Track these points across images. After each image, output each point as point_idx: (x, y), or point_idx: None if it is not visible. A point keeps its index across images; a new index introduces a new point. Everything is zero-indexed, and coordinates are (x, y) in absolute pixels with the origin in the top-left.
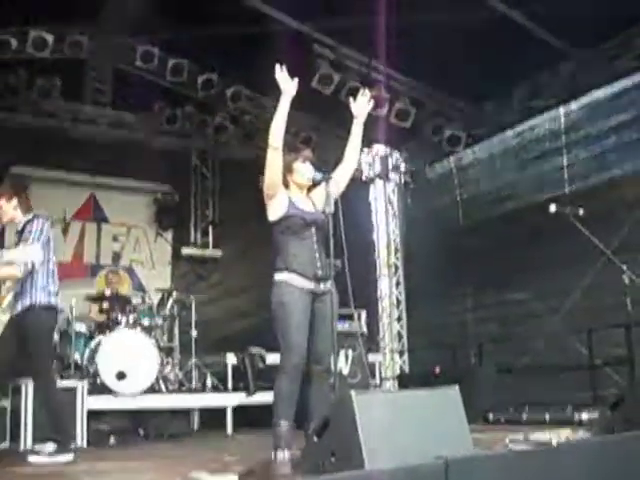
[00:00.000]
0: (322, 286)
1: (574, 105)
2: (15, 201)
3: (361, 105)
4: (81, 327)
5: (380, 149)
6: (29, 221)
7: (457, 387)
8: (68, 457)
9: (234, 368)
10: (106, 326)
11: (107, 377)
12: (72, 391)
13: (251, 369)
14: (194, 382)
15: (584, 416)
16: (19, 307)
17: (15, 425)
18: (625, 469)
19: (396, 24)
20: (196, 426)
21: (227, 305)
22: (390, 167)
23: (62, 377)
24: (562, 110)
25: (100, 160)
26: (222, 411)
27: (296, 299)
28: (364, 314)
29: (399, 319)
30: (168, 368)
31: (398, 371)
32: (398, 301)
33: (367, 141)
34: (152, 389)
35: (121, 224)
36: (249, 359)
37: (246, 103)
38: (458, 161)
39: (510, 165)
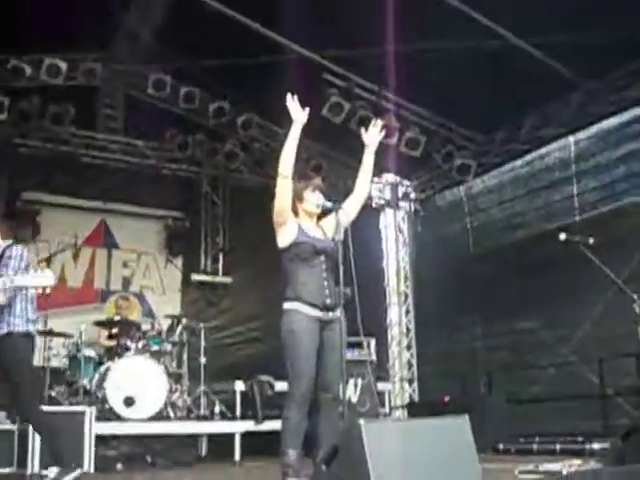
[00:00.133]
0: (331, 314)
1: (583, 134)
2: None
3: (373, 135)
4: (90, 352)
5: (390, 177)
6: (8, 246)
7: (467, 416)
8: (74, 476)
9: (242, 395)
10: (115, 352)
11: (115, 403)
12: (80, 416)
13: (259, 396)
14: (202, 409)
15: (595, 446)
16: None
17: (22, 449)
18: None
19: (406, 53)
20: (204, 453)
21: (236, 332)
22: (400, 195)
23: (70, 402)
24: (572, 139)
25: (111, 186)
26: (230, 438)
27: (305, 327)
28: (373, 342)
29: (409, 347)
30: (177, 394)
31: (407, 400)
32: (408, 329)
33: (377, 170)
34: (160, 415)
35: (131, 250)
36: (258, 386)
37: (257, 131)
38: (468, 190)
39: (520, 194)
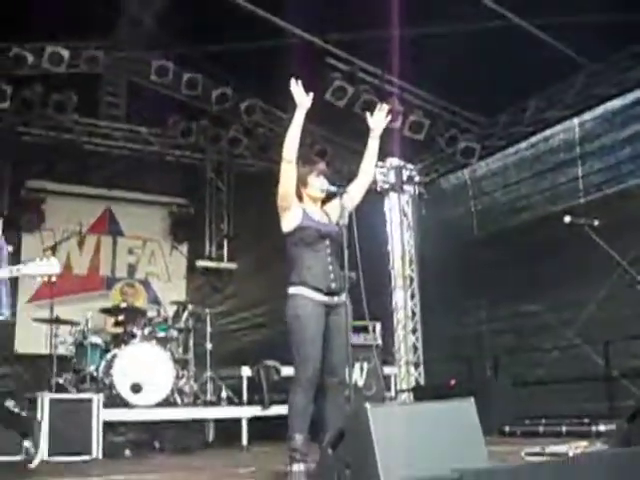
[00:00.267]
0: (336, 299)
1: (588, 116)
2: None
3: (378, 119)
4: (97, 340)
5: (394, 161)
6: None
7: (472, 399)
8: None
9: (249, 380)
10: (121, 339)
11: (122, 389)
12: (88, 403)
13: (266, 381)
14: (209, 394)
15: (601, 428)
16: None
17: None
18: None
19: (409, 36)
20: (211, 438)
21: (242, 318)
22: (404, 179)
23: (78, 389)
24: (576, 121)
25: (115, 174)
26: (237, 423)
27: (310, 312)
28: (379, 326)
29: (414, 331)
30: (183, 380)
31: (413, 383)
32: (413, 313)
33: (381, 154)
34: (167, 401)
35: (136, 237)
36: (264, 371)
37: (260, 116)
38: (472, 173)
39: (524, 176)
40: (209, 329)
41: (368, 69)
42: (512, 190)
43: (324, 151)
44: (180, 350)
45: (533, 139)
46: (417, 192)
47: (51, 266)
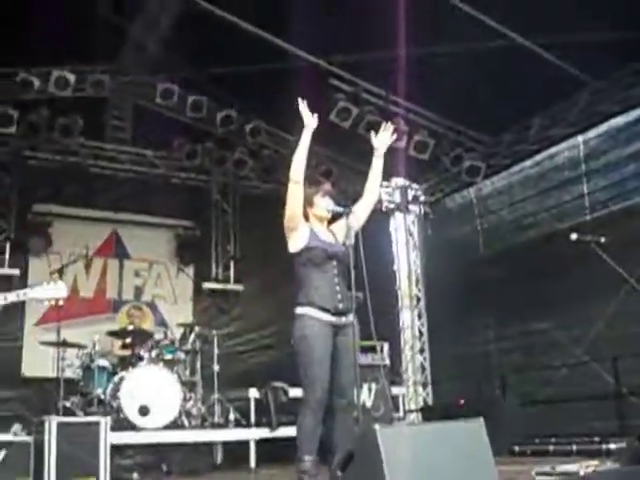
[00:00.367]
0: (344, 319)
1: (592, 133)
2: None
3: (383, 138)
4: (104, 362)
5: (399, 181)
6: None
7: (482, 419)
8: None
9: (257, 402)
10: (129, 361)
11: (130, 412)
12: (95, 426)
13: (274, 403)
14: (217, 417)
15: (611, 446)
16: None
17: (38, 461)
18: None
19: (413, 57)
20: (219, 461)
21: (249, 339)
22: (410, 198)
23: (85, 412)
24: (581, 138)
25: (121, 197)
26: (245, 445)
27: (317, 332)
28: (386, 346)
29: (421, 351)
30: (191, 403)
31: (421, 403)
32: (420, 332)
33: (386, 174)
34: (175, 424)
35: (143, 260)
36: (272, 393)
37: (265, 138)
38: (478, 191)
39: (530, 194)
40: (216, 351)
41: (372, 90)
42: (518, 208)
43: (329, 172)
44: (187, 372)
45: (538, 157)
46: (423, 212)
47: (58, 290)
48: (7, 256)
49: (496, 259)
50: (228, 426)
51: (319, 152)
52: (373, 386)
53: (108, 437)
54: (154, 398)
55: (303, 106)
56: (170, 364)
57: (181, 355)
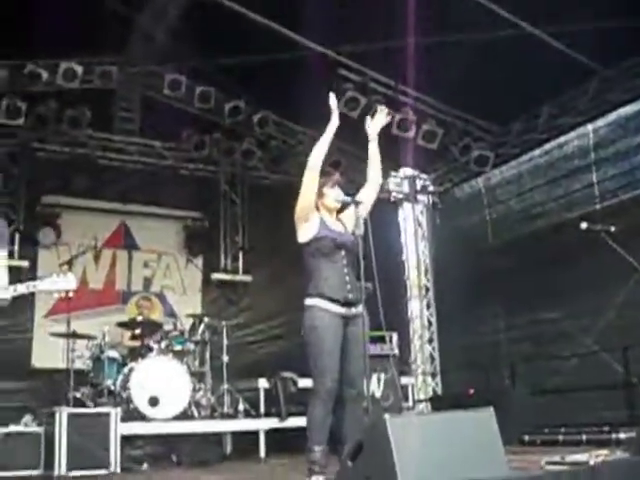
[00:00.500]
0: (353, 310)
1: (602, 122)
2: None
3: (376, 122)
4: (114, 354)
5: (408, 171)
6: None
7: (492, 409)
8: None
9: (266, 393)
10: (138, 352)
11: (140, 403)
12: (105, 417)
13: (283, 393)
14: (226, 407)
15: (621, 436)
16: None
17: (49, 451)
18: None
19: (421, 46)
20: (229, 451)
21: (258, 330)
22: (418, 188)
23: (95, 403)
24: (590, 127)
25: (130, 188)
26: (255, 436)
27: (327, 323)
28: (395, 336)
29: (430, 340)
30: (200, 393)
31: (430, 393)
32: (429, 322)
33: (395, 164)
34: (184, 415)
35: (152, 251)
36: (281, 383)
37: (273, 128)
38: (487, 181)
39: (539, 184)
40: (225, 342)
41: (381, 79)
42: (527, 198)
43: (338, 162)
44: (197, 363)
45: (547, 146)
46: (431, 202)
47: (68, 282)
48: (16, 248)
49: (505, 249)
50: (237, 416)
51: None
52: (382, 376)
53: (118, 428)
54: (164, 389)
55: (333, 101)
56: (179, 355)
57: (190, 346)
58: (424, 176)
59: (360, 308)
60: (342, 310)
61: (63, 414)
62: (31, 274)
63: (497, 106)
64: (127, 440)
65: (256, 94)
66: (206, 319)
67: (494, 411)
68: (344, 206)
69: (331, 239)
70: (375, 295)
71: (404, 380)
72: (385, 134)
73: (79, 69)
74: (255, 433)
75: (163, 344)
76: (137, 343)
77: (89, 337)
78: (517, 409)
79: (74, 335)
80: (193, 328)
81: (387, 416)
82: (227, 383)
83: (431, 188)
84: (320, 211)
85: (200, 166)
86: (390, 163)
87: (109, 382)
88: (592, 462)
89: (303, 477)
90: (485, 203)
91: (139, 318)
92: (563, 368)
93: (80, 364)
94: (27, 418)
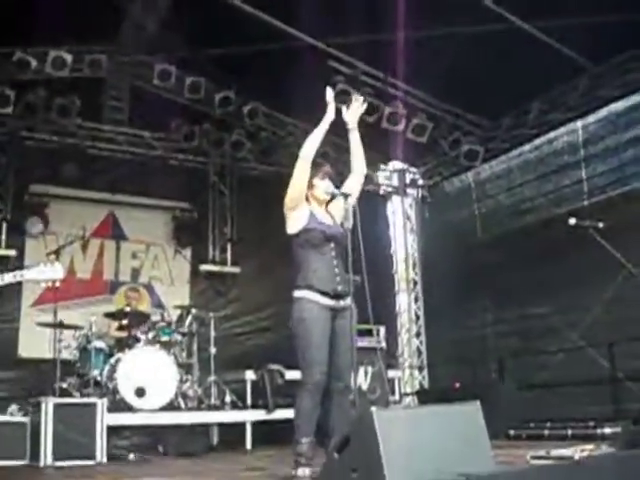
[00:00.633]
0: (342, 302)
1: (592, 118)
2: None
3: (353, 111)
4: (100, 344)
5: (397, 164)
6: None
7: (478, 403)
8: None
9: (253, 384)
10: (125, 343)
11: (127, 394)
12: (92, 407)
13: (270, 385)
14: (213, 399)
15: (607, 431)
16: None
17: (35, 442)
18: None
19: (412, 39)
20: (215, 442)
21: (246, 321)
22: (407, 182)
23: (81, 394)
24: (580, 123)
25: (118, 178)
26: (241, 427)
27: (316, 316)
28: (383, 330)
29: (418, 334)
30: (187, 385)
31: (417, 387)
32: (417, 316)
33: (385, 157)
34: (171, 406)
35: (140, 241)
36: (268, 375)
37: (263, 120)
38: (476, 175)
39: (528, 179)
40: (213, 333)
41: (371, 72)
42: (516, 193)
43: (326, 154)
44: (184, 354)
45: (537, 142)
46: (420, 195)
47: (55, 271)
48: (4, 237)
49: (494, 243)
50: (224, 408)
51: None
52: (369, 369)
53: (104, 418)
54: (150, 380)
55: (330, 96)
56: (167, 346)
57: (178, 337)
58: (413, 170)
59: (348, 301)
60: (331, 302)
61: (49, 404)
62: (18, 263)
63: (487, 101)
64: (113, 430)
65: (246, 85)
66: (194, 310)
67: (481, 405)
68: (332, 198)
69: (320, 231)
70: (363, 288)
71: (391, 373)
72: (374, 127)
73: (68, 57)
74: (242, 425)
75: (150, 335)
76: (124, 334)
77: (76, 327)
78: (504, 403)
79: (61, 325)
80: (181, 319)
81: (374, 409)
82: (214, 374)
83: (420, 182)
84: (310, 203)
85: (189, 157)
86: (379, 156)
87: (96, 372)
88: (577, 457)
89: (289, 469)
90: (474, 197)
91: (127, 309)
92: (550, 363)
93: (67, 354)
94: (13, 408)
